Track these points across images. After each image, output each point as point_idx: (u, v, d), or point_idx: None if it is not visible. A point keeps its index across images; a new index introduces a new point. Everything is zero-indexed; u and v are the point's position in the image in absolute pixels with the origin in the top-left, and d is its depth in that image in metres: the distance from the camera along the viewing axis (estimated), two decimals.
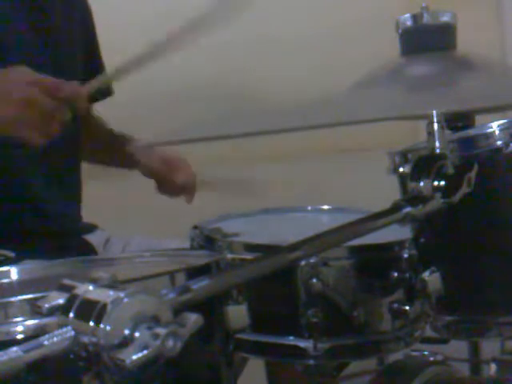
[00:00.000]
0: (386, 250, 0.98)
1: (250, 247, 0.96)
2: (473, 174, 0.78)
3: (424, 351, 1.05)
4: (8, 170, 1.30)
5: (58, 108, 1.07)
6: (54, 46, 1.36)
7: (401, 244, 0.98)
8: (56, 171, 1.37)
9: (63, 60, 1.38)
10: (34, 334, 0.64)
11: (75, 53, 1.43)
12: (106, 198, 1.64)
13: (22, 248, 1.23)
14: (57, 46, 1.37)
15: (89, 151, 1.55)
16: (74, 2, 1.46)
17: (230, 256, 0.93)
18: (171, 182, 1.47)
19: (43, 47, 1.35)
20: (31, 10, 1.34)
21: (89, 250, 1.37)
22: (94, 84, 1.17)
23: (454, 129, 0.99)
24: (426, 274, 0.94)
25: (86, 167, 1.50)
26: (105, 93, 1.56)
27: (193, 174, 1.49)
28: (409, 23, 0.91)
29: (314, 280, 0.91)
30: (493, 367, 1.03)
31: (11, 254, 1.25)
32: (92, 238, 1.42)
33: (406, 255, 0.97)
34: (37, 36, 1.34)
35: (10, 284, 0.89)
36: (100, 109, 1.62)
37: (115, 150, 1.53)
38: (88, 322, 0.54)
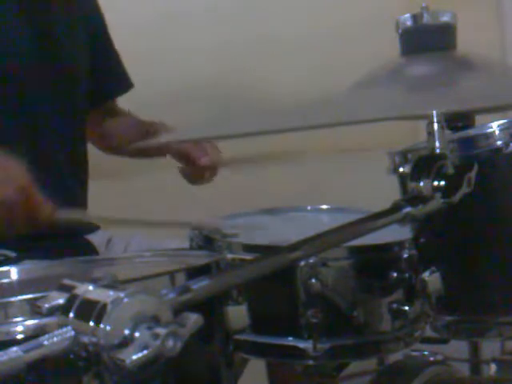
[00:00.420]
0: (385, 251, 0.98)
1: (250, 247, 0.96)
2: (473, 174, 0.78)
3: (424, 351, 1.05)
4: None
5: (24, 219, 1.06)
6: (53, 47, 1.37)
7: (400, 244, 0.98)
8: (60, 173, 1.37)
9: (64, 61, 1.38)
10: (34, 334, 0.64)
11: (77, 53, 1.43)
12: (107, 198, 1.64)
13: (23, 248, 1.23)
14: (57, 47, 1.37)
15: (117, 144, 1.56)
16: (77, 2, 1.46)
17: (229, 256, 0.93)
18: (197, 162, 1.44)
19: (42, 48, 1.35)
20: (30, 11, 1.34)
21: (90, 249, 1.38)
22: (66, 215, 1.14)
23: (454, 129, 0.99)
24: (425, 274, 0.94)
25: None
26: (126, 85, 1.57)
27: (219, 155, 1.46)
28: (409, 23, 0.91)
29: (314, 280, 0.91)
30: (493, 367, 1.03)
31: (12, 254, 1.25)
32: (94, 238, 1.42)
33: (405, 255, 0.97)
34: (36, 37, 1.34)
35: (10, 284, 0.89)
36: None
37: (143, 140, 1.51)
38: (88, 322, 0.54)
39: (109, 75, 1.55)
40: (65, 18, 1.41)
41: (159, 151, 1.53)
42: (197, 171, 1.46)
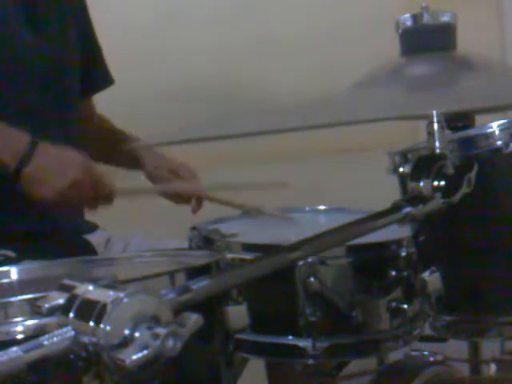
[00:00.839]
0: (383, 249, 0.98)
1: (249, 247, 0.96)
2: (473, 174, 0.78)
3: (424, 351, 1.05)
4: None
5: (92, 198, 1.21)
6: (48, 42, 1.37)
7: (398, 242, 0.98)
8: None
9: (58, 54, 1.38)
10: (34, 334, 0.64)
11: (70, 47, 1.43)
12: None
13: (22, 248, 1.23)
14: (50, 41, 1.37)
15: (89, 148, 1.55)
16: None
17: (229, 256, 0.93)
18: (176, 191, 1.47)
19: (38, 43, 1.35)
20: (25, 8, 1.34)
21: (89, 249, 1.37)
22: (128, 189, 1.32)
23: (454, 129, 0.99)
24: (425, 274, 0.93)
25: None
26: (105, 81, 1.56)
27: (199, 184, 1.50)
28: (409, 23, 0.91)
29: (312, 279, 0.91)
30: (493, 367, 1.03)
31: (12, 254, 1.25)
32: (92, 238, 1.42)
33: (403, 254, 0.97)
34: (32, 32, 1.34)
35: (10, 284, 0.89)
36: (100, 109, 1.62)
37: (116, 148, 1.53)
38: (88, 322, 0.54)
39: (92, 71, 1.54)
40: (56, 14, 1.41)
41: (132, 163, 1.55)
42: (176, 197, 1.48)
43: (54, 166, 1.18)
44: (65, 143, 1.25)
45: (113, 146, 1.55)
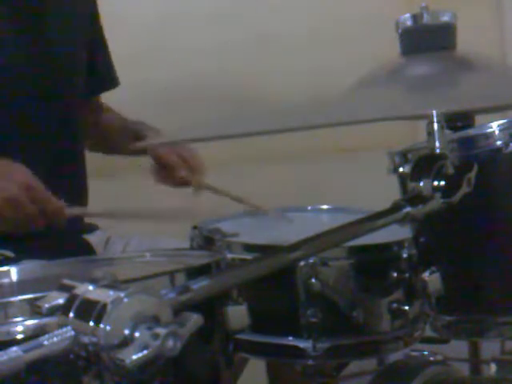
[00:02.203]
0: (385, 250, 0.98)
1: (250, 247, 0.96)
2: (473, 174, 0.78)
3: (424, 351, 1.05)
4: None
5: (36, 216, 1.12)
6: (47, 49, 1.36)
7: (400, 244, 0.98)
8: (59, 173, 1.37)
9: (58, 62, 1.38)
10: (33, 334, 0.64)
11: (74, 53, 1.43)
12: (106, 198, 1.64)
13: (21, 248, 1.23)
14: (51, 48, 1.37)
15: (95, 140, 1.56)
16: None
17: (229, 256, 0.93)
18: (174, 172, 1.42)
19: (36, 53, 1.35)
20: (23, 16, 1.34)
21: (88, 249, 1.37)
22: (77, 211, 1.24)
23: (454, 129, 0.99)
24: (425, 274, 0.93)
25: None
26: (111, 83, 1.56)
27: (201, 167, 1.43)
28: (409, 23, 0.91)
29: (314, 280, 0.91)
30: (493, 367, 1.03)
31: (11, 254, 1.25)
32: (92, 238, 1.42)
33: (405, 255, 0.97)
34: (29, 42, 1.34)
35: (10, 284, 0.89)
36: None
37: (127, 139, 1.50)
38: (88, 322, 0.54)
39: (99, 71, 1.54)
40: (60, 18, 1.40)
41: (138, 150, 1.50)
42: (173, 181, 1.43)
43: None
44: (65, 151, 1.26)
45: (124, 137, 1.52)
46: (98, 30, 1.54)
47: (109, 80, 1.58)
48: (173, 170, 1.39)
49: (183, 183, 1.40)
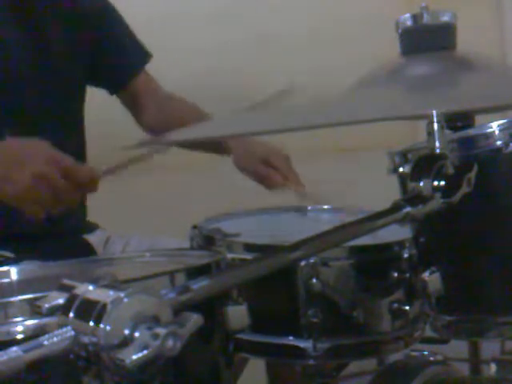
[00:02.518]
0: (385, 250, 0.98)
1: (250, 247, 0.96)
2: (473, 174, 0.78)
3: (424, 351, 1.05)
4: None
5: (69, 190, 1.06)
6: (47, 54, 1.36)
7: (400, 244, 0.98)
8: None
9: (57, 64, 1.38)
10: (33, 334, 0.64)
11: (73, 56, 1.43)
12: (106, 198, 1.64)
13: (21, 248, 1.23)
14: (50, 53, 1.37)
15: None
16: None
17: (229, 256, 0.93)
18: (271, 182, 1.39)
19: (36, 52, 1.35)
20: (22, 17, 1.34)
21: (88, 249, 1.37)
22: (111, 169, 1.15)
23: (454, 129, 0.99)
24: (425, 274, 0.93)
25: None
26: (144, 57, 1.56)
27: (294, 174, 1.40)
28: (409, 23, 0.90)
29: (314, 280, 0.91)
30: (493, 367, 1.03)
31: (11, 255, 1.25)
32: (92, 238, 1.42)
33: (405, 255, 0.97)
34: (27, 41, 1.34)
35: (10, 284, 0.89)
36: (99, 109, 1.62)
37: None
38: (88, 321, 0.54)
39: (124, 53, 1.54)
40: (60, 19, 1.40)
41: (215, 147, 1.47)
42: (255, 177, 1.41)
43: (13, 161, 1.06)
44: (65, 147, 1.25)
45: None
46: (110, 24, 1.53)
47: (140, 57, 1.57)
48: (269, 181, 1.38)
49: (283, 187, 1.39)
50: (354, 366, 1.40)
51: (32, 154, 1.06)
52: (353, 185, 2.11)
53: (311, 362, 0.94)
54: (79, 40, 1.44)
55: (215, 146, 1.49)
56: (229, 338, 0.80)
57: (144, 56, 1.58)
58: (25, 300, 0.67)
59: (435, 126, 0.77)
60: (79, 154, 1.45)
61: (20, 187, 1.04)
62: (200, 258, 0.89)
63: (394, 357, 1.05)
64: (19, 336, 0.65)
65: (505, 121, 0.98)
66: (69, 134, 1.40)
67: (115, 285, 0.57)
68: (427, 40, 0.90)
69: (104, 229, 1.47)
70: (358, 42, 2.13)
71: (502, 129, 0.97)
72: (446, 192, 0.76)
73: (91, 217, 1.49)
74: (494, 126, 0.98)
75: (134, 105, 1.58)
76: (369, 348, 0.97)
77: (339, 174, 2.16)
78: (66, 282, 0.59)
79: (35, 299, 0.62)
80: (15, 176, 1.04)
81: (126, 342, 0.53)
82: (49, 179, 1.04)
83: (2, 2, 1.33)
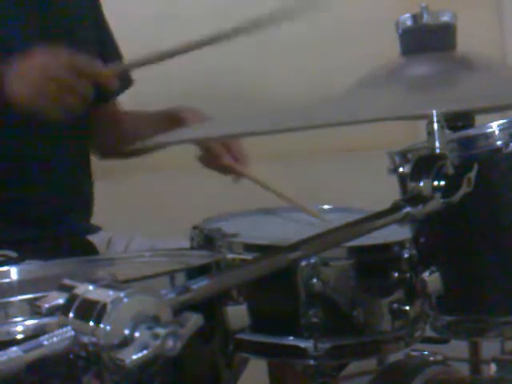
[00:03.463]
0: (386, 251, 0.98)
1: (250, 247, 0.96)
2: (473, 174, 0.78)
3: (424, 351, 1.05)
4: (14, 171, 1.31)
5: (77, 81, 1.11)
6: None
7: (401, 244, 0.98)
8: (65, 177, 1.37)
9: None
10: (33, 334, 0.64)
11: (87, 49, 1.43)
12: (106, 198, 1.64)
13: (24, 248, 1.23)
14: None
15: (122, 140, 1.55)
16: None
17: (229, 256, 0.93)
18: (219, 159, 1.43)
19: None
20: (36, 11, 1.34)
21: (91, 250, 1.38)
22: (117, 66, 1.23)
23: (454, 129, 0.99)
24: (425, 274, 0.93)
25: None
26: (125, 84, 1.55)
27: (244, 157, 1.44)
28: (409, 23, 0.90)
29: (315, 280, 0.91)
30: (493, 367, 1.03)
31: (13, 254, 1.25)
32: (94, 239, 1.42)
33: (406, 255, 0.97)
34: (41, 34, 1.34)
35: (10, 284, 0.89)
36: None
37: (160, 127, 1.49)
38: (88, 321, 0.54)
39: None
40: (71, 21, 1.41)
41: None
42: (218, 168, 1.45)
43: (32, 65, 1.12)
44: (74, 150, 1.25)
45: (159, 126, 1.51)
46: (106, 38, 1.54)
47: (123, 81, 1.57)
48: (218, 157, 1.41)
49: (227, 170, 1.43)
50: (354, 366, 1.40)
51: (50, 58, 1.12)
52: (353, 185, 2.11)
53: (312, 362, 0.94)
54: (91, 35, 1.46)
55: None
56: (229, 337, 0.80)
57: (127, 83, 1.58)
58: (25, 300, 0.67)
59: (435, 125, 0.77)
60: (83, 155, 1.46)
61: (33, 84, 1.10)
62: (200, 258, 0.88)
63: (394, 357, 1.05)
64: (19, 336, 0.65)
65: (505, 121, 0.98)
66: (74, 127, 1.40)
67: (115, 285, 0.57)
68: (427, 40, 0.90)
69: (106, 229, 1.47)
70: (358, 42, 2.13)
71: (502, 129, 0.97)
72: (446, 192, 0.76)
73: (92, 217, 1.49)
74: (494, 126, 0.98)
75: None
76: (369, 348, 0.97)
77: (339, 173, 2.16)
78: (66, 281, 0.59)
79: (35, 299, 0.62)
80: (28, 77, 1.11)
81: (126, 341, 0.53)
82: (52, 74, 1.10)
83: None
